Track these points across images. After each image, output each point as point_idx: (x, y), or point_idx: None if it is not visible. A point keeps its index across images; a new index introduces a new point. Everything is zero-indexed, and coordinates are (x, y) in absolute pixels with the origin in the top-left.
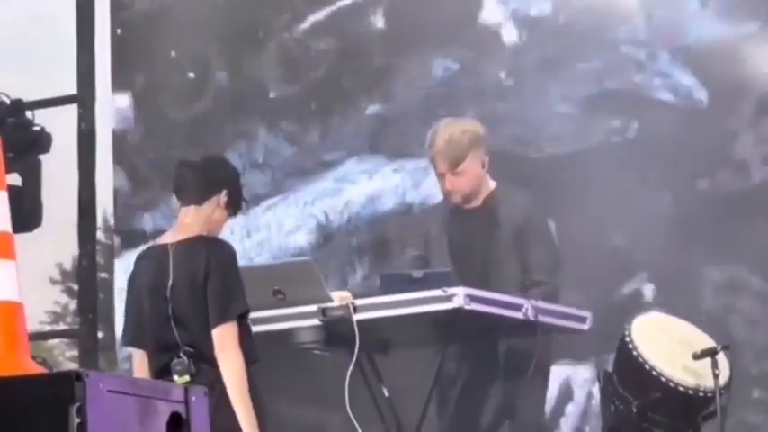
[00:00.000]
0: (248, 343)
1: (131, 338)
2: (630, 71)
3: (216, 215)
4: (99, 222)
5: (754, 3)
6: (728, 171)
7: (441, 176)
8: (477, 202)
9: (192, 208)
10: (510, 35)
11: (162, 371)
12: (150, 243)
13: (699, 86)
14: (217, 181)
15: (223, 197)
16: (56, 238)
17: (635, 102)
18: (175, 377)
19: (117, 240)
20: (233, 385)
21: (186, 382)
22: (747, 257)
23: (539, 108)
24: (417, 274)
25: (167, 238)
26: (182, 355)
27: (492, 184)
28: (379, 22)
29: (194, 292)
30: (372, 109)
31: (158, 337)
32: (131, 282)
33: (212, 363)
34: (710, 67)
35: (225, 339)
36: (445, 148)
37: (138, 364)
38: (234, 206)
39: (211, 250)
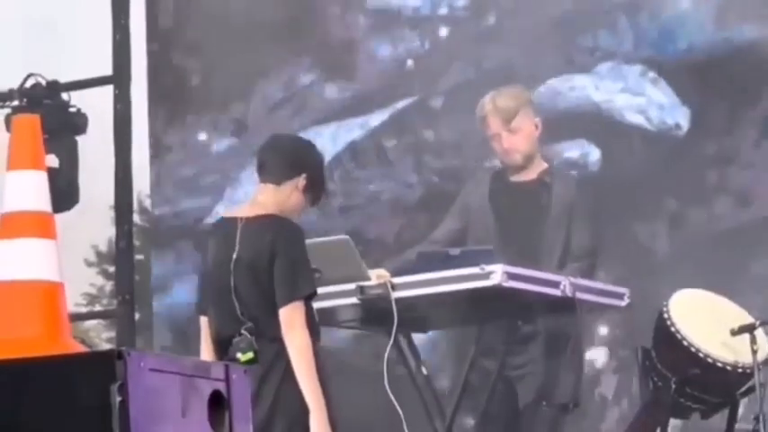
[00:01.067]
0: (313, 322)
1: (200, 307)
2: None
3: (293, 198)
4: (134, 204)
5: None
6: (721, 206)
7: (495, 138)
8: (532, 175)
9: (270, 186)
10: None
11: (223, 343)
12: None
13: (678, 105)
14: (298, 163)
15: (302, 181)
16: (91, 221)
17: (598, 126)
18: (239, 354)
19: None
20: (300, 364)
21: (250, 360)
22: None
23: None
24: (454, 251)
25: (239, 212)
26: (243, 332)
27: (543, 164)
28: None
29: (258, 270)
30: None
31: (220, 309)
32: (204, 252)
33: (273, 340)
34: (698, 80)
35: (293, 319)
36: (495, 107)
37: (205, 331)
38: (313, 193)
39: (280, 230)
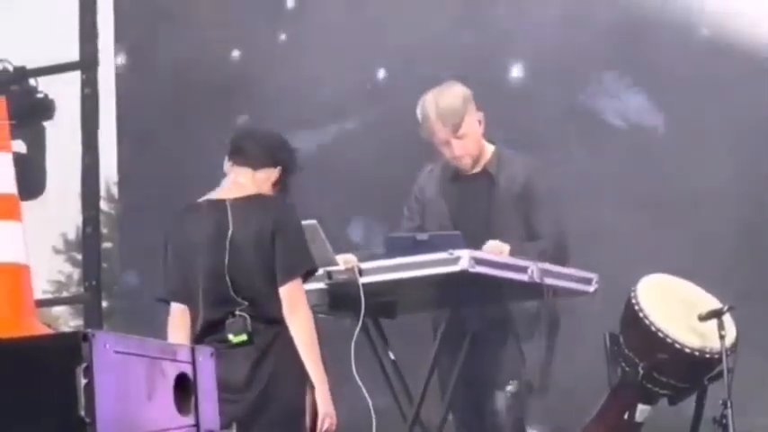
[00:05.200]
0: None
1: (173, 292)
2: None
3: (265, 186)
4: (102, 192)
5: None
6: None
7: (444, 144)
8: (478, 168)
9: (248, 170)
10: None
11: (210, 326)
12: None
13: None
14: (276, 156)
15: (276, 173)
16: (59, 208)
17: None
18: (230, 336)
19: None
20: (306, 343)
21: (243, 342)
22: None
23: None
24: (422, 236)
25: (221, 195)
26: (238, 313)
27: (490, 149)
28: None
29: (260, 249)
30: None
31: (210, 291)
32: (175, 237)
33: (272, 322)
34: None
35: (295, 296)
36: (441, 115)
37: (178, 318)
38: (281, 185)
39: (281, 208)
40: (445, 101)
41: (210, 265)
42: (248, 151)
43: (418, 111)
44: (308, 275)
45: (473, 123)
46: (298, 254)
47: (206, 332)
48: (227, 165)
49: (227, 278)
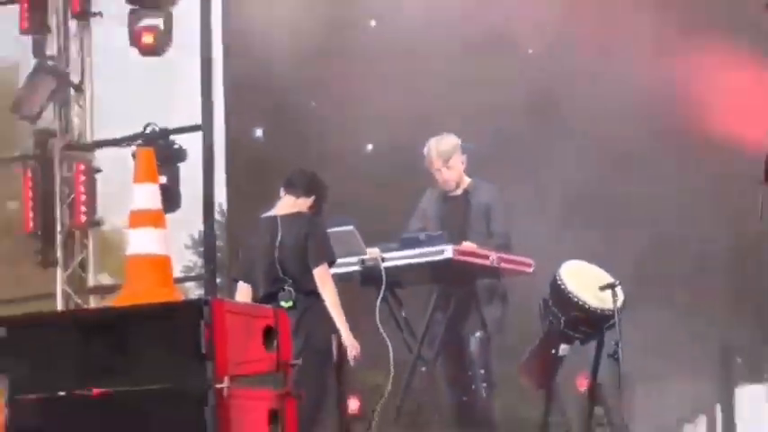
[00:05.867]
0: None
1: (244, 274)
2: None
3: (304, 207)
4: (216, 207)
5: None
6: None
7: (437, 172)
8: (459, 192)
9: (292, 197)
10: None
11: (268, 297)
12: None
13: None
14: (312, 189)
15: (310, 200)
16: (188, 219)
17: None
18: (282, 302)
19: None
20: (333, 304)
21: (290, 306)
22: None
23: None
24: (422, 236)
25: (274, 212)
26: (286, 288)
27: (467, 180)
28: None
29: (298, 247)
30: None
31: (267, 275)
32: (245, 240)
33: (308, 294)
34: None
35: (323, 276)
36: (439, 152)
37: (244, 293)
38: (316, 208)
39: (311, 221)
40: (441, 144)
41: (269, 259)
42: (294, 185)
43: (425, 149)
44: (331, 264)
45: (457, 162)
46: (323, 249)
47: (265, 301)
48: (281, 191)
49: (278, 265)
